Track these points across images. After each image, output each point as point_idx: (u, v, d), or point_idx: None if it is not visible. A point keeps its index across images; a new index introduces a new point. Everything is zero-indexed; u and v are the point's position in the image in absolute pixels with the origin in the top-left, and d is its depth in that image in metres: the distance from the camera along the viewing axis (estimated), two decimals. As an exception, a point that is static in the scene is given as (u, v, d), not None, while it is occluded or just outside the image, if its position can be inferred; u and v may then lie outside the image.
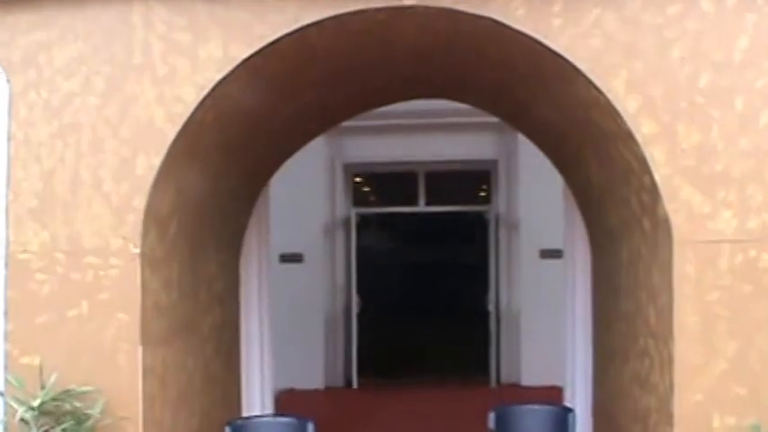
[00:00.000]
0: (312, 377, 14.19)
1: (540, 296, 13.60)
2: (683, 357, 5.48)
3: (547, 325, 12.93)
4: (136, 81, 5.75)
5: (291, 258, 14.12)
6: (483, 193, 15.48)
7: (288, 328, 13.12)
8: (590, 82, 5.65)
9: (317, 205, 14.38)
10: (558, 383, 12.25)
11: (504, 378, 14.42)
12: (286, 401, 12.82)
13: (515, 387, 14.10)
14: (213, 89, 5.73)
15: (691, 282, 5.47)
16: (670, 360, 5.55)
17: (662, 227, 5.65)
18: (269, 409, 8.88)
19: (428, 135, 14.11)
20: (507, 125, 13.73)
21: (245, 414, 8.44)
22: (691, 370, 5.48)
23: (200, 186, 6.55)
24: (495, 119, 13.56)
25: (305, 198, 14.05)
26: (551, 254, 13.34)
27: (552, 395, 12.23)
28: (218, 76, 5.70)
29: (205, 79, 5.71)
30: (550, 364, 12.53)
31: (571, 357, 8.59)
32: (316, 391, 14.11)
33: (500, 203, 14.66)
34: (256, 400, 8.67)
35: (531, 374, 13.94)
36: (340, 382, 14.63)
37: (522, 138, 13.43)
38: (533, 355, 13.93)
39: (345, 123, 13.69)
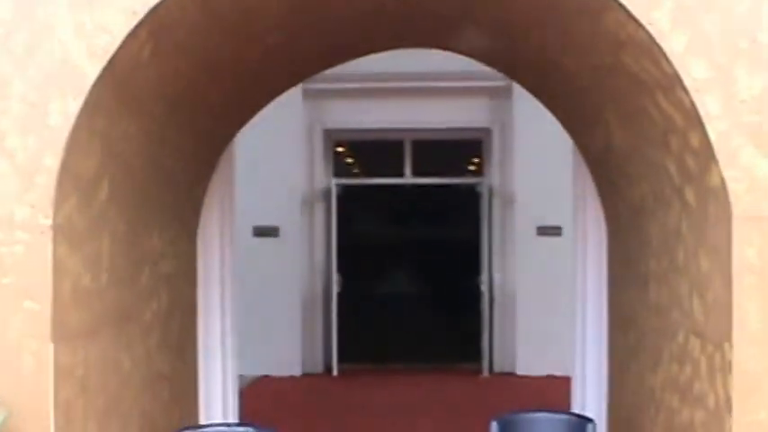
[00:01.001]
0: (288, 363, 13.41)
1: (537, 276, 12.99)
2: (743, 364, 4.26)
3: (545, 308, 12.56)
4: (49, 4, 4.48)
5: (266, 232, 13.41)
6: (475, 165, 14.78)
7: (262, 309, 12.70)
8: (626, 12, 4.41)
9: (294, 174, 13.55)
10: (557, 373, 11.94)
11: (498, 366, 13.65)
12: (259, 389, 12.20)
13: (510, 377, 13.32)
14: (148, 17, 4.47)
15: (754, 269, 4.25)
16: (725, 366, 4.34)
17: (714, 199, 4.44)
18: (232, 407, 7.71)
19: (416, 100, 13.40)
20: (502, 90, 13.13)
21: (202, 414, 7.33)
22: (753, 380, 4.26)
23: (139, 144, 5.32)
24: (489, 83, 13.01)
25: (281, 166, 13.31)
26: (549, 231, 12.90)
27: (551, 386, 11.70)
28: (154, 1, 4.45)
29: (138, 3, 4.45)
30: (549, 351, 12.35)
31: (581, 351, 7.45)
32: (292, 378, 13.37)
33: (494, 175, 13.88)
34: (217, 396, 7.52)
35: (528, 363, 13.23)
36: (319, 368, 13.87)
37: (518, 103, 12.95)
38: (530, 341, 13.17)
39: (326, 86, 13.11)
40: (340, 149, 14.76)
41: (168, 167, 6.01)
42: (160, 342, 6.14)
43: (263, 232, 13.36)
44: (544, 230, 13.10)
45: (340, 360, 13.53)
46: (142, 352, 5.78)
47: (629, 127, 5.43)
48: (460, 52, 7.19)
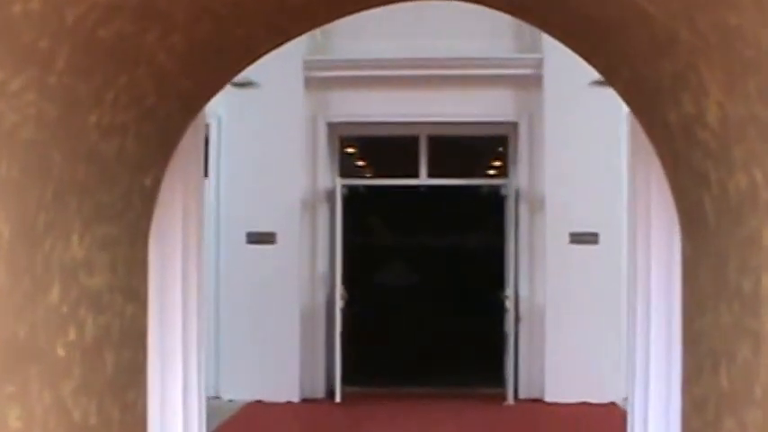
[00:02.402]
0: (285, 387, 12.06)
1: (569, 290, 11.81)
2: None
3: (578, 326, 11.63)
4: None
5: (261, 239, 12.13)
6: (499, 164, 13.75)
7: (255, 325, 11.83)
8: None
9: (293, 174, 12.23)
10: (592, 400, 11.37)
11: (524, 392, 12.25)
12: (250, 417, 11.17)
13: (538, 404, 11.92)
14: None
15: None
16: None
17: None
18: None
19: (433, 90, 12.26)
20: (530, 78, 11.97)
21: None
22: None
23: (34, 106, 3.69)
24: (515, 70, 12.10)
25: (279, 164, 12.10)
26: (584, 238, 11.81)
27: (585, 415, 10.90)
28: None
29: None
30: (582, 375, 11.49)
31: (642, 387, 6.03)
32: (289, 404, 11.97)
33: (520, 176, 12.53)
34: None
35: (558, 388, 11.85)
36: (320, 392, 12.47)
37: (548, 93, 11.79)
38: (561, 363, 11.84)
39: (331, 74, 12.13)
40: (346, 146, 13.55)
41: (92, 145, 4.39)
42: (82, 384, 4.52)
43: (257, 239, 12.11)
44: (578, 238, 11.83)
45: (344, 383, 12.16)
46: (49, 401, 4.17)
47: (740, 87, 3.77)
48: (488, 4, 5.55)
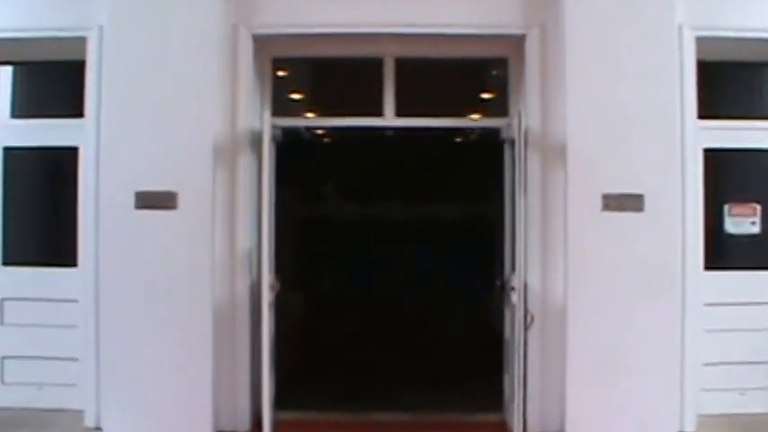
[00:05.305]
0: (192, 415, 9.38)
1: (601, 278, 9.22)
2: None
3: (613, 330, 9.04)
4: None
5: (157, 202, 9.36)
6: (496, 97, 10.79)
7: (149, 328, 9.28)
8: None
9: (204, 109, 9.43)
10: None
11: (536, 422, 9.48)
12: None
13: None
14: None
15: None
16: None
17: None
18: None
19: None
20: None
21: None
22: None
23: None
24: None
25: (183, 96, 9.38)
26: (624, 203, 9.25)
27: None
28: None
29: None
30: (618, 399, 9.01)
31: None
32: None
33: (530, 114, 9.58)
34: None
35: (584, 417, 9.15)
36: (243, 422, 9.72)
37: None
38: (588, 383, 9.16)
39: None
40: (280, 70, 10.67)
41: None
42: None
43: (151, 202, 9.28)
44: (615, 202, 9.14)
45: (278, 407, 9.53)
46: None
47: None
48: None
